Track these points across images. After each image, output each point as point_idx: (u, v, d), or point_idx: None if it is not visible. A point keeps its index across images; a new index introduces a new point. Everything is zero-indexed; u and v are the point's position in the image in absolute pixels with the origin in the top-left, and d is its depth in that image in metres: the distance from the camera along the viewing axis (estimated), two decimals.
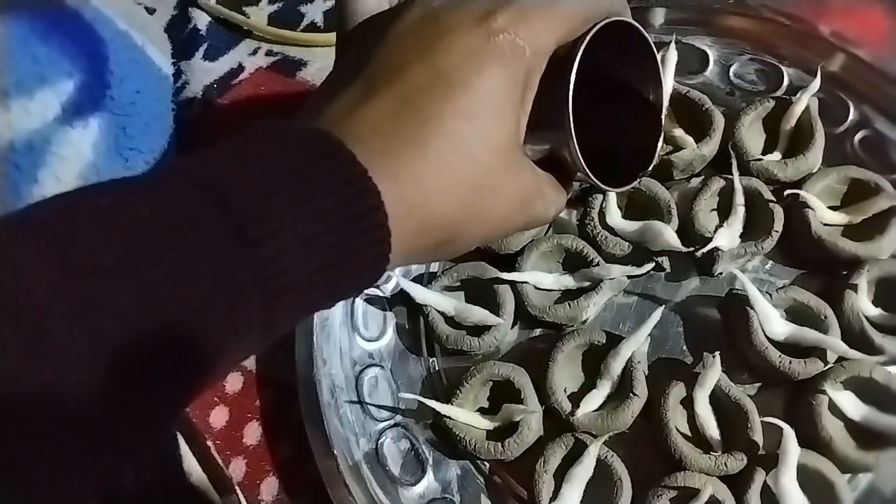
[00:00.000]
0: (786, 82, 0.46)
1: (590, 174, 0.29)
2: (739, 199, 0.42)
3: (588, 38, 0.28)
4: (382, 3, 0.31)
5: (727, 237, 0.41)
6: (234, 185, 0.23)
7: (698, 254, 0.40)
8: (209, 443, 0.39)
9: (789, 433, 0.36)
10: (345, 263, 0.25)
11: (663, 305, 0.41)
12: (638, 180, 0.33)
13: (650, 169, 0.33)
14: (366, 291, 0.44)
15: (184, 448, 0.33)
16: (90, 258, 0.21)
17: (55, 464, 0.20)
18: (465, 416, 0.40)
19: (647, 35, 0.31)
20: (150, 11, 0.52)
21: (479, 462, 0.41)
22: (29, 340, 0.19)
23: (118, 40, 0.40)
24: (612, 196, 0.43)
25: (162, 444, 0.33)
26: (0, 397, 0.19)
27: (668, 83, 0.45)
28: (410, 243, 0.27)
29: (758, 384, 0.41)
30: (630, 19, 0.30)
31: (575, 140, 0.28)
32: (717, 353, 0.38)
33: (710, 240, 0.40)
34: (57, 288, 0.20)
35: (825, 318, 0.39)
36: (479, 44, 0.27)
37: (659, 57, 0.32)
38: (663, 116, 0.33)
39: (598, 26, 0.28)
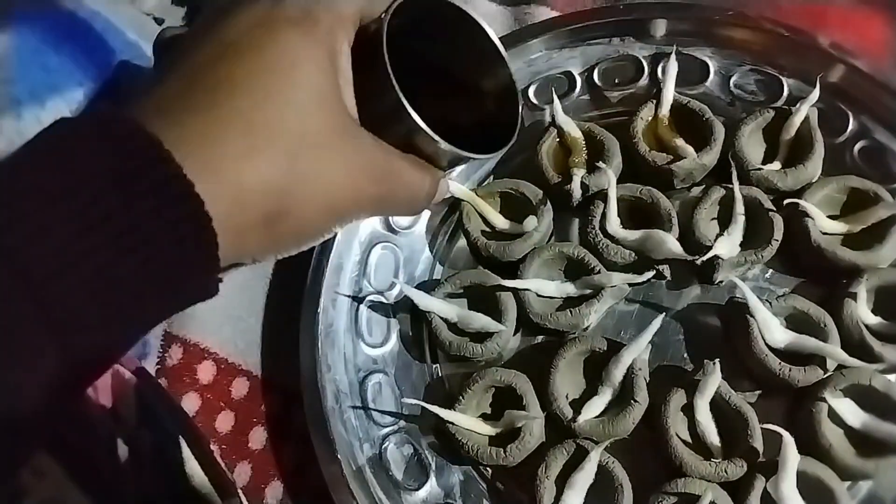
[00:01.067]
0: (785, 93, 0.47)
1: (430, 132, 0.29)
2: (740, 208, 0.42)
3: (394, 5, 0.28)
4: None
5: (727, 246, 0.41)
6: (19, 233, 0.21)
7: (698, 262, 0.41)
8: (213, 447, 0.39)
9: (789, 440, 0.36)
10: (148, 240, 0.22)
11: (664, 313, 0.41)
12: (507, 146, 0.32)
13: (516, 136, 0.32)
14: (370, 298, 0.45)
15: (186, 451, 0.33)
16: None
17: None
18: (468, 421, 0.41)
19: (462, 8, 0.31)
20: (160, 22, 0.52)
21: (481, 468, 0.42)
22: None
23: (127, 51, 0.41)
24: (613, 205, 0.43)
25: (163, 448, 0.34)
26: None
27: (669, 93, 0.46)
28: (232, 213, 0.24)
29: (758, 392, 0.41)
30: None
31: (404, 100, 0.28)
32: (716, 361, 0.39)
33: (711, 248, 0.41)
34: None
35: (825, 326, 0.40)
36: (267, 13, 0.26)
37: (501, 47, 0.33)
38: (515, 82, 0.33)
39: None
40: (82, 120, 0.24)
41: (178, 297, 0.25)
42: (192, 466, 0.33)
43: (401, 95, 0.28)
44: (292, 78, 0.26)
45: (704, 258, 0.41)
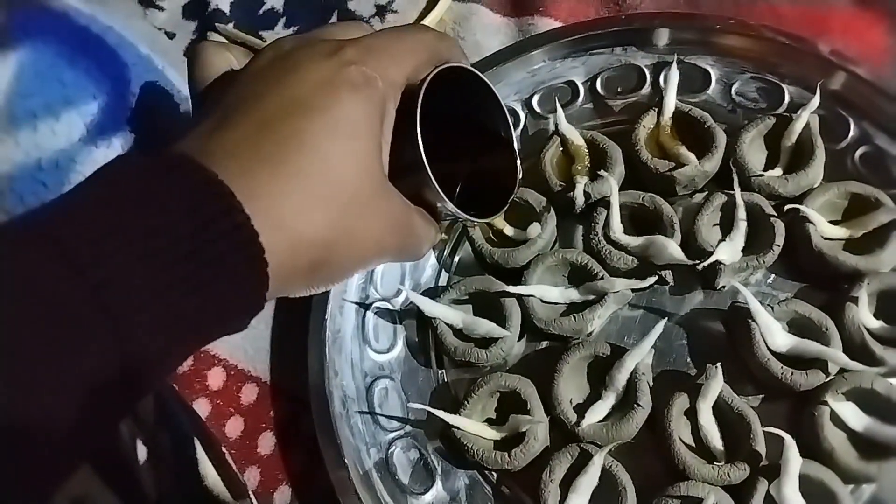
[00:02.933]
0: (787, 100, 0.47)
1: (443, 196, 0.32)
2: (741, 214, 0.43)
3: (432, 74, 0.31)
4: (232, 62, 0.33)
5: (729, 251, 0.41)
6: (84, 241, 0.23)
7: (699, 267, 0.41)
8: (224, 449, 0.40)
9: (790, 443, 0.37)
10: (214, 312, 0.25)
11: (667, 318, 0.42)
12: (500, 211, 0.38)
13: (510, 200, 0.37)
14: (376, 305, 0.46)
15: (200, 452, 0.34)
16: None
17: None
18: (473, 426, 0.41)
19: (483, 77, 0.35)
20: (171, 36, 0.54)
21: (486, 472, 0.42)
22: None
23: (140, 64, 0.42)
24: (615, 211, 0.44)
25: (179, 449, 0.34)
26: None
27: (671, 101, 0.46)
28: (285, 262, 0.26)
29: (761, 395, 0.41)
30: (467, 66, 0.34)
31: (428, 168, 0.31)
32: (718, 365, 0.39)
33: (712, 254, 0.41)
34: None
35: (826, 330, 0.40)
36: (331, 74, 0.29)
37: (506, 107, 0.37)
38: (517, 151, 0.37)
39: (439, 68, 0.32)
40: (160, 161, 0.25)
41: (221, 330, 0.27)
42: (206, 467, 0.34)
43: (424, 157, 0.31)
44: (353, 142, 0.29)
45: (706, 263, 0.41)
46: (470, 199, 0.35)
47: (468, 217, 0.35)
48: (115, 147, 0.40)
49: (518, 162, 0.38)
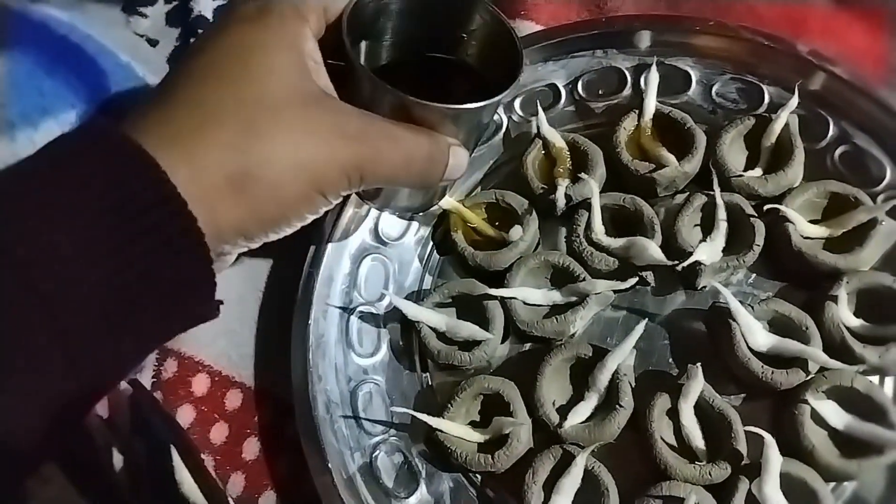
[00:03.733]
0: (766, 100, 0.48)
1: (402, 94, 0.31)
2: (721, 214, 0.43)
3: None
4: None
5: (708, 252, 0.42)
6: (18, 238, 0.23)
7: (679, 268, 0.41)
8: (207, 457, 0.40)
9: (770, 442, 0.37)
10: (152, 274, 0.25)
11: (648, 319, 0.42)
12: (511, 88, 0.34)
13: (522, 69, 0.35)
14: (360, 309, 0.46)
15: (176, 460, 0.34)
16: None
17: None
18: (457, 429, 0.41)
19: None
20: (154, 43, 0.54)
21: (471, 475, 0.42)
22: None
23: (120, 72, 0.42)
24: (596, 213, 0.44)
25: (155, 457, 0.34)
26: None
27: (651, 103, 0.46)
28: (196, 184, 0.26)
29: (742, 395, 0.42)
30: None
31: (370, 73, 0.31)
32: (698, 365, 0.39)
33: (692, 254, 0.41)
34: None
35: (807, 329, 0.40)
36: (225, 15, 0.31)
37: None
38: (504, 19, 0.35)
39: None
40: (76, 136, 0.27)
41: (179, 311, 0.27)
42: (182, 474, 0.34)
43: (364, 68, 0.31)
44: (243, 60, 0.30)
45: (685, 264, 0.41)
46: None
47: (459, 107, 0.33)
48: None
49: (509, 26, 0.36)
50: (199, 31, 0.54)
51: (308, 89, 0.30)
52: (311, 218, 0.33)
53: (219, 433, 0.45)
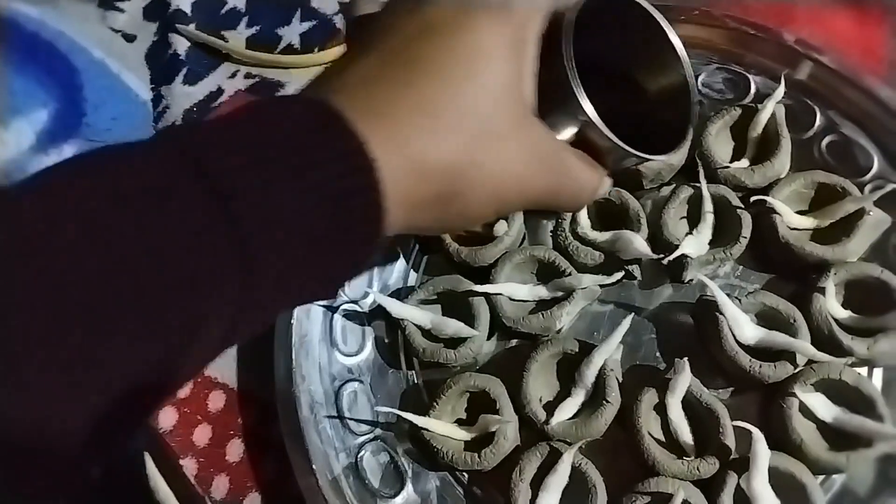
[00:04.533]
0: (753, 90, 0.47)
1: (601, 124, 0.29)
2: (708, 206, 0.42)
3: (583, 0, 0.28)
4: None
5: (694, 245, 0.41)
6: (218, 157, 0.23)
7: (665, 262, 0.41)
8: (191, 460, 0.39)
9: (758, 436, 0.37)
10: (332, 245, 0.25)
11: (634, 313, 0.42)
12: (676, 149, 0.32)
13: (689, 134, 0.32)
14: (344, 307, 0.45)
15: (150, 466, 0.33)
16: (71, 268, 0.20)
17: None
18: (442, 427, 0.41)
19: (648, 6, 0.31)
20: (131, 39, 0.53)
21: (458, 473, 0.42)
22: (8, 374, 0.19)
23: (93, 69, 0.42)
24: (583, 208, 0.43)
25: (131, 462, 0.34)
26: None
27: None
28: (410, 189, 0.26)
29: (731, 388, 0.41)
30: None
31: (580, 94, 0.28)
32: (685, 359, 0.39)
33: (679, 248, 0.41)
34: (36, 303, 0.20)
35: (794, 321, 0.40)
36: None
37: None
38: (690, 82, 0.33)
39: None
40: (285, 101, 0.26)
41: (342, 261, 0.26)
42: (157, 481, 0.33)
43: (579, 90, 0.28)
44: (484, 65, 0.27)
45: (671, 257, 0.41)
46: (639, 141, 0.31)
47: (637, 154, 0.30)
48: (66, 154, 0.39)
49: (691, 89, 0.33)
50: (178, 25, 0.54)
51: (523, 113, 0.29)
52: None
53: (202, 435, 0.44)
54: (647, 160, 0.31)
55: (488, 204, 0.29)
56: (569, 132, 0.30)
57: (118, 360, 0.21)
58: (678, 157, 0.44)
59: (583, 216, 0.44)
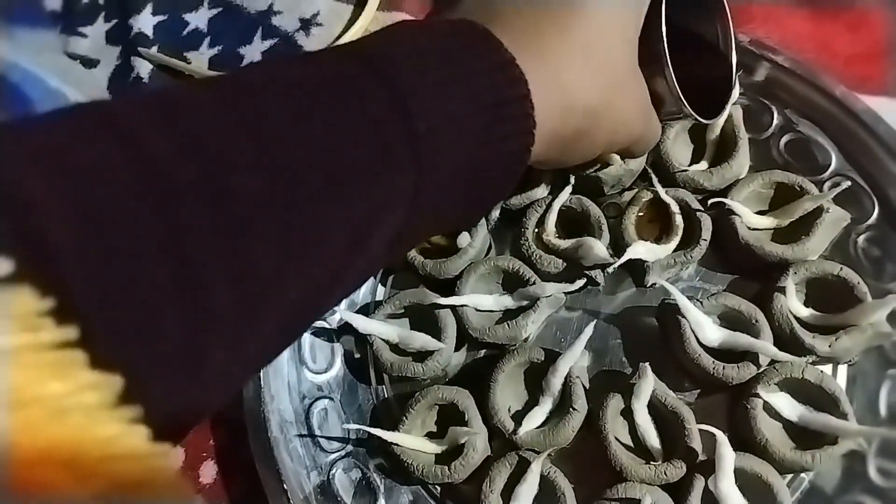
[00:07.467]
0: None
1: (678, 91, 0.33)
2: (675, 207, 0.42)
3: None
4: None
5: (645, 248, 0.41)
6: (391, 60, 0.25)
7: (610, 270, 0.41)
8: None
9: (722, 439, 0.37)
10: (490, 150, 0.26)
11: (597, 320, 0.42)
12: (720, 115, 0.40)
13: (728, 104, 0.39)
14: (313, 325, 0.45)
15: None
16: (264, 113, 0.22)
17: None
18: (412, 441, 0.41)
19: None
20: (93, 64, 0.53)
21: (430, 486, 0.42)
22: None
23: (49, 99, 0.42)
24: (554, 212, 0.43)
25: None
26: None
27: None
28: (555, 125, 0.28)
29: (697, 391, 0.42)
30: None
31: (669, 62, 0.32)
32: (647, 364, 0.39)
33: (634, 253, 0.41)
34: (238, 142, 0.21)
35: (756, 321, 0.40)
36: None
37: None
38: (733, 52, 0.38)
39: None
40: (461, 28, 0.28)
41: (494, 174, 0.28)
42: None
43: (666, 50, 0.32)
44: (625, 19, 0.30)
45: (618, 263, 0.41)
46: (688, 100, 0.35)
47: (695, 115, 0.35)
48: None
49: (734, 65, 0.39)
50: (140, 48, 0.54)
51: (637, 65, 0.32)
52: None
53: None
54: (699, 121, 0.37)
55: (604, 144, 0.32)
56: (651, 82, 0.34)
57: (326, 237, 0.23)
58: (637, 163, 0.44)
59: (551, 221, 0.44)
